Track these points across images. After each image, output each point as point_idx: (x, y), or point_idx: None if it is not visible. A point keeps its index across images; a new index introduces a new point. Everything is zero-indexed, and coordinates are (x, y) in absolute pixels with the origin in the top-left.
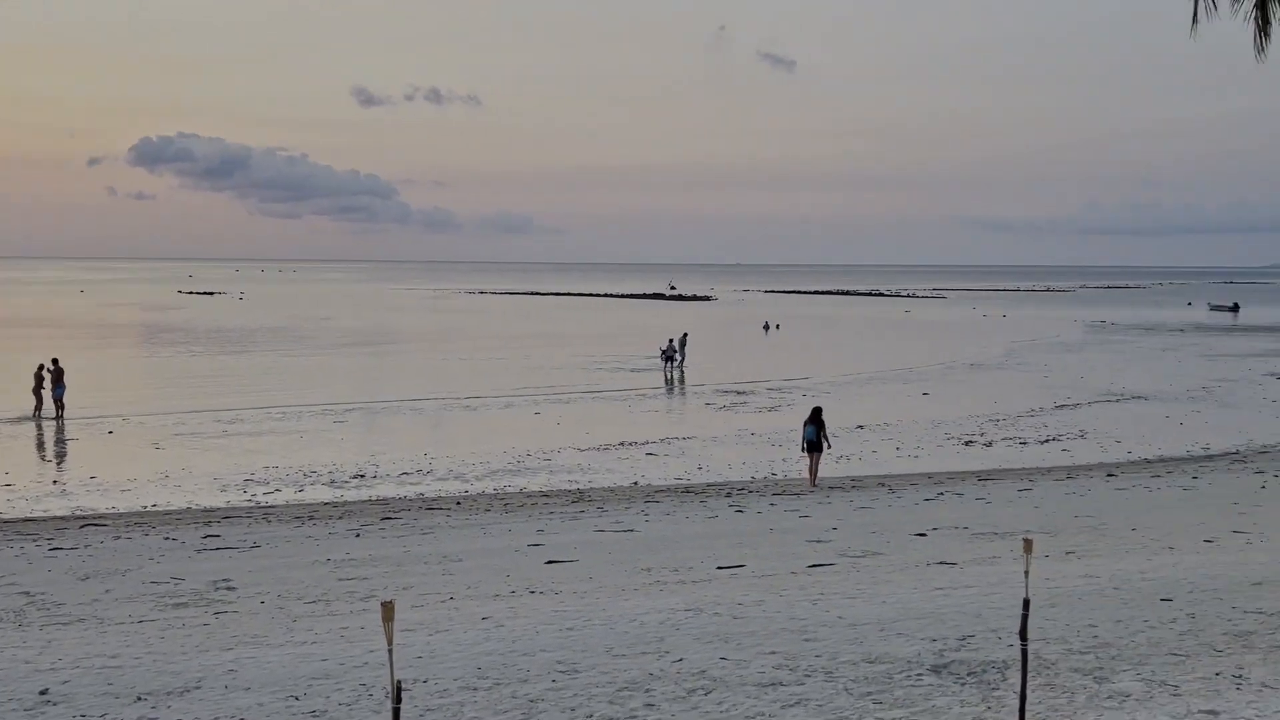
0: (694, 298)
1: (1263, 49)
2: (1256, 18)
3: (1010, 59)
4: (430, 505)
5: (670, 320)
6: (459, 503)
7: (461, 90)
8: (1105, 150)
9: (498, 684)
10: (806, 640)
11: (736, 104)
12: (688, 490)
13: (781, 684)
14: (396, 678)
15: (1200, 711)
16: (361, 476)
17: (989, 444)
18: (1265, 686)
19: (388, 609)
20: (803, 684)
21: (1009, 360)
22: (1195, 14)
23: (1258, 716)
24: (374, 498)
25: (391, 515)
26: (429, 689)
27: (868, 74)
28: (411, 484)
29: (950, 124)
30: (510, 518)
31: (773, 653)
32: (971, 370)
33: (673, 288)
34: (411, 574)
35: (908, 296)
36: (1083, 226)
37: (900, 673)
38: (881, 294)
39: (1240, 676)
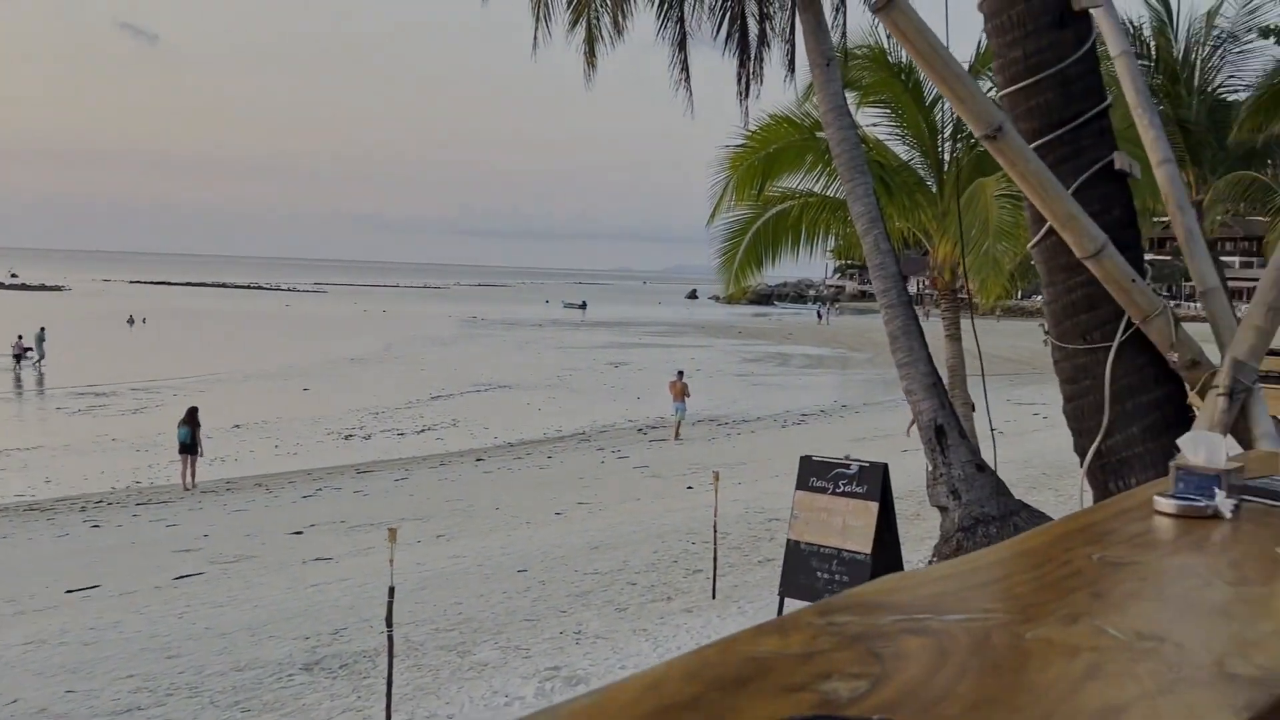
0: (41, 287)
1: (590, 78)
2: (585, 51)
3: (394, 57)
4: None
5: (11, 313)
6: None
7: None
8: (477, 155)
9: None
10: (170, 658)
11: (94, 75)
12: (30, 508)
13: (139, 708)
14: None
15: (546, 668)
16: None
17: (368, 437)
18: (599, 638)
19: None
20: (164, 704)
21: (389, 354)
22: (535, 40)
23: (591, 665)
24: None
25: None
26: None
27: (242, 58)
28: None
29: (331, 117)
30: None
31: (130, 676)
32: (352, 364)
33: (14, 275)
34: None
35: (289, 290)
36: (457, 227)
37: (271, 676)
38: (262, 287)
39: (580, 632)
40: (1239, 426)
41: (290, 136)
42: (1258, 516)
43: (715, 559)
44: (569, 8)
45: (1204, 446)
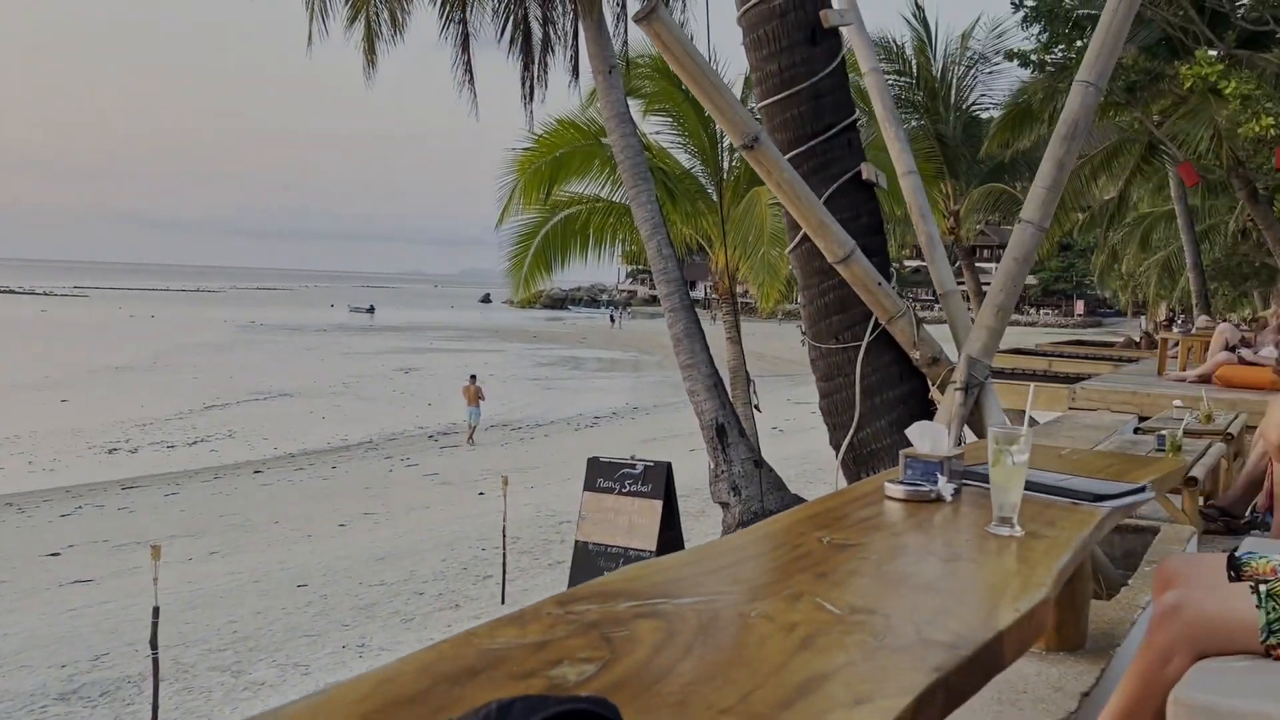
0: None
1: (371, 76)
2: (365, 48)
3: (158, 48)
4: None
5: None
6: None
7: None
8: (257, 153)
9: None
10: None
11: None
12: None
13: None
14: None
15: (327, 685)
16: None
17: (135, 450)
18: (384, 650)
19: None
20: None
21: (158, 362)
22: (310, 35)
23: None
24: None
25: None
26: None
27: None
28: None
29: (89, 110)
30: None
31: None
32: (117, 374)
33: None
34: None
35: (44, 295)
36: (234, 228)
37: (22, 709)
38: (12, 291)
39: (364, 645)
40: (974, 418)
41: (42, 129)
42: (975, 499)
43: (504, 564)
44: (347, 4)
45: (929, 436)
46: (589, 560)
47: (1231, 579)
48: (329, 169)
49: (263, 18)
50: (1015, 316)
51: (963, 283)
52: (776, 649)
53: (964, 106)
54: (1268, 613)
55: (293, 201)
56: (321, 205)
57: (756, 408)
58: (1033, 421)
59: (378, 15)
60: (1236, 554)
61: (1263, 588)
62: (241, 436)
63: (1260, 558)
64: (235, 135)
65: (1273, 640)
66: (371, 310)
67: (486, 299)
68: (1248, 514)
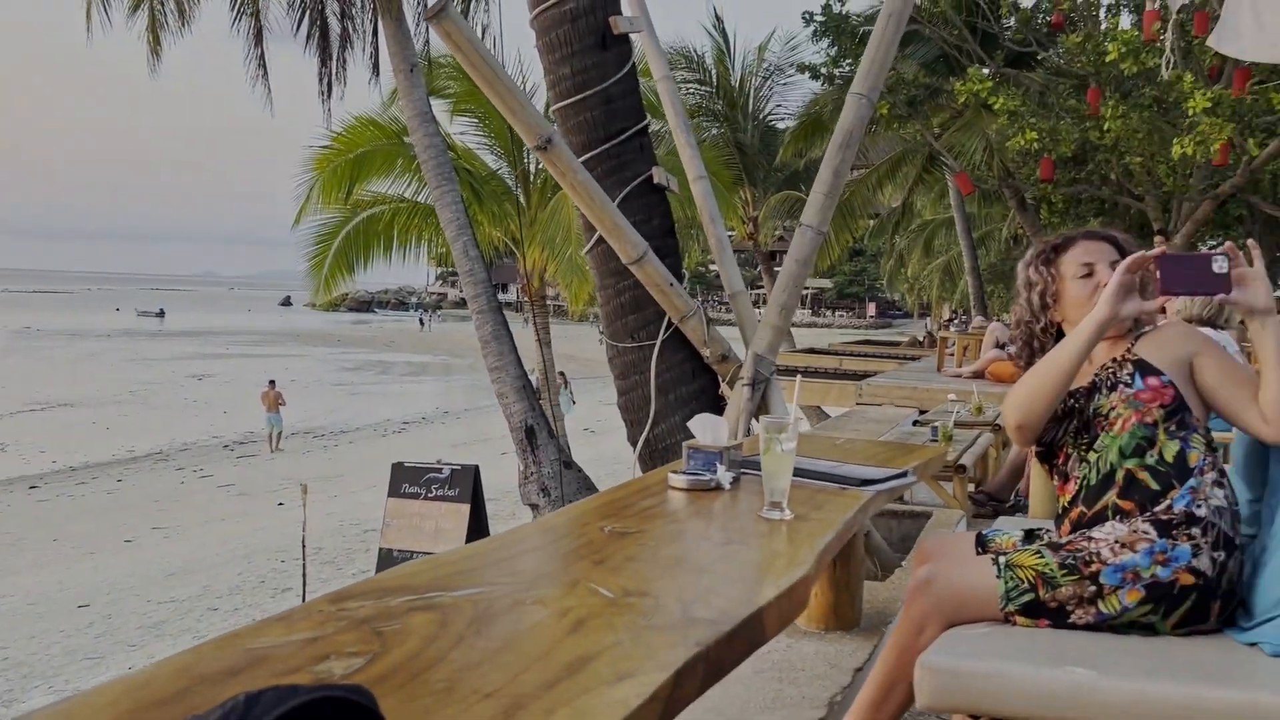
0: None
1: (156, 68)
2: (149, 39)
3: None
4: None
5: None
6: None
7: None
8: (24, 148)
9: None
10: None
11: None
12: None
13: None
14: None
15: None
16: None
17: None
18: None
19: None
20: None
21: None
22: (89, 25)
23: None
24: None
25: None
26: None
27: None
28: None
29: None
30: None
31: None
32: None
33: None
34: None
35: None
36: (6, 227)
37: None
38: None
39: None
40: (761, 413)
41: None
42: (752, 486)
43: (304, 576)
44: None
45: (710, 428)
46: (393, 567)
47: (979, 554)
48: (112, 165)
49: (33, 3)
50: (812, 319)
51: (762, 285)
52: (547, 634)
53: (761, 116)
54: (1006, 582)
55: (71, 199)
56: (105, 203)
57: (573, 402)
58: (825, 415)
59: (163, 5)
60: (984, 531)
61: (1002, 559)
62: (15, 450)
63: (1003, 534)
64: (6, 126)
65: (1010, 607)
66: (161, 314)
67: (287, 302)
68: (1012, 498)
